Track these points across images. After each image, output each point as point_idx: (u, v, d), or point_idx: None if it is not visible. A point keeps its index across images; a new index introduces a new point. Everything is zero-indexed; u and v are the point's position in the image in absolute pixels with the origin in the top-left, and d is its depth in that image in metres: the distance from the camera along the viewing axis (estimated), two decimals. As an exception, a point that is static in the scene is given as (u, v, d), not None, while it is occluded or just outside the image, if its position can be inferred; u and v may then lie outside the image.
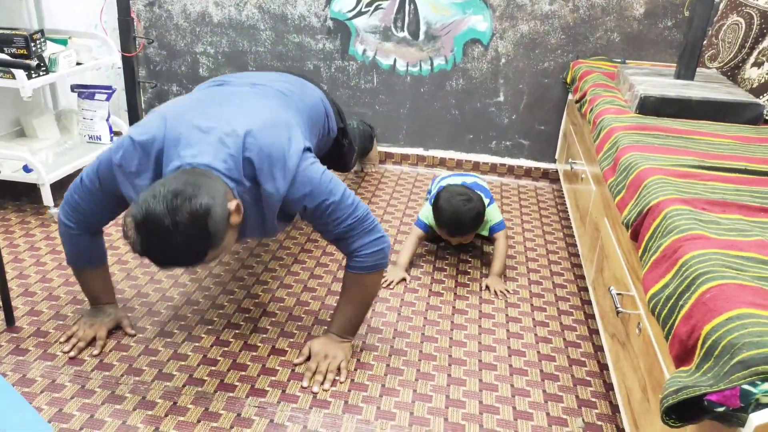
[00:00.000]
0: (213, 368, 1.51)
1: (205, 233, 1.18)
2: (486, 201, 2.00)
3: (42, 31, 2.16)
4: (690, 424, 0.86)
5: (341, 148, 2.07)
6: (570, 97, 2.55)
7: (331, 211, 1.39)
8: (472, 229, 1.94)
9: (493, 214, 2.02)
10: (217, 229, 1.20)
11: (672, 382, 0.87)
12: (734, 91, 1.90)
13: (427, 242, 2.18)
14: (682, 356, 0.93)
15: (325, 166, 1.44)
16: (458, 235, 1.96)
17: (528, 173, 2.85)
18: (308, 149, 1.41)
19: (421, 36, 2.69)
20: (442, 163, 2.90)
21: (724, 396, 0.79)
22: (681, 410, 0.86)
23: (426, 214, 2.02)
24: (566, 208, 2.50)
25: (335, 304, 1.77)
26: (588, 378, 1.55)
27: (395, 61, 2.77)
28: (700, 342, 0.88)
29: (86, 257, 1.55)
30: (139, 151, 1.32)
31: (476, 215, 1.91)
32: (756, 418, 0.75)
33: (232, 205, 1.25)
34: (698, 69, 2.12)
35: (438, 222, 1.94)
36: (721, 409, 0.79)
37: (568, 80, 2.56)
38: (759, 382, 0.77)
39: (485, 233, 2.02)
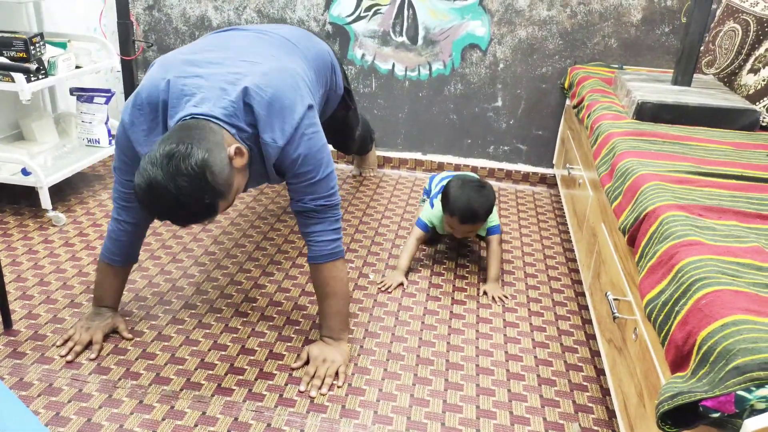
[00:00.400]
0: (210, 372, 1.51)
1: (209, 188, 1.20)
2: None
3: (41, 35, 2.16)
4: (685, 429, 0.86)
5: (347, 110, 2.04)
6: (567, 102, 2.55)
7: (312, 183, 1.40)
8: (485, 216, 1.92)
9: (493, 215, 2.01)
10: (220, 180, 1.22)
11: (667, 387, 0.88)
12: (731, 97, 1.91)
13: (425, 245, 2.18)
14: (677, 362, 0.94)
15: (328, 143, 1.45)
16: (469, 223, 1.90)
17: (526, 178, 2.86)
18: (311, 107, 1.40)
19: (420, 41, 2.70)
20: (440, 167, 2.90)
21: (719, 402, 0.79)
22: (676, 416, 0.87)
23: (427, 213, 2.02)
24: (564, 213, 2.50)
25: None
26: (585, 383, 1.55)
27: (394, 65, 2.77)
28: (695, 348, 0.89)
29: (122, 253, 1.56)
30: (146, 108, 1.34)
31: (490, 202, 1.92)
32: (751, 424, 0.75)
33: (231, 149, 1.26)
34: (695, 75, 2.13)
35: (450, 210, 1.90)
36: (716, 415, 0.80)
37: (566, 86, 2.57)
38: (754, 388, 0.77)
39: (482, 233, 2.02)
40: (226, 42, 1.50)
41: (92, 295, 1.67)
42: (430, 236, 2.08)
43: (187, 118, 1.28)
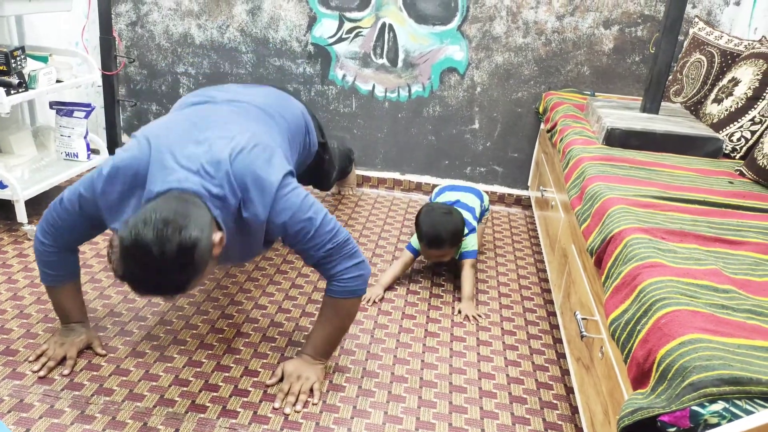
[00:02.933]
0: (185, 389, 1.51)
1: (191, 265, 1.19)
2: (468, 227, 2.07)
3: (23, 48, 2.17)
4: (645, 444, 0.90)
5: (322, 164, 2.09)
6: (542, 126, 2.63)
7: (311, 236, 1.40)
8: (451, 241, 1.98)
9: (470, 241, 2.06)
10: (201, 261, 1.22)
11: (629, 403, 0.92)
12: (696, 125, 1.99)
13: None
14: (639, 379, 0.98)
15: (306, 190, 1.46)
16: (435, 248, 1.98)
17: (501, 199, 2.92)
18: (289, 173, 1.43)
19: (400, 63, 2.77)
20: (418, 187, 2.95)
21: (675, 417, 0.83)
22: (637, 431, 0.90)
23: (415, 236, 2.08)
24: (538, 234, 2.56)
25: (310, 326, 1.80)
26: (555, 401, 1.58)
27: (374, 86, 2.83)
28: (655, 365, 0.93)
29: (60, 275, 1.54)
30: (122, 177, 1.34)
31: (454, 229, 1.97)
32: (704, 438, 0.79)
33: (217, 237, 1.27)
34: (663, 103, 2.22)
35: (419, 235, 2.01)
36: (672, 430, 0.83)
37: (541, 110, 2.65)
38: (707, 404, 0.81)
39: (456, 256, 2.08)
40: (203, 118, 1.49)
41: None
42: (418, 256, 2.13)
43: (175, 190, 1.28)
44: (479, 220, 2.24)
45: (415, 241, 2.08)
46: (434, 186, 2.93)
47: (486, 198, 2.33)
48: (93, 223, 1.43)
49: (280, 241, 1.47)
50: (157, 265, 1.16)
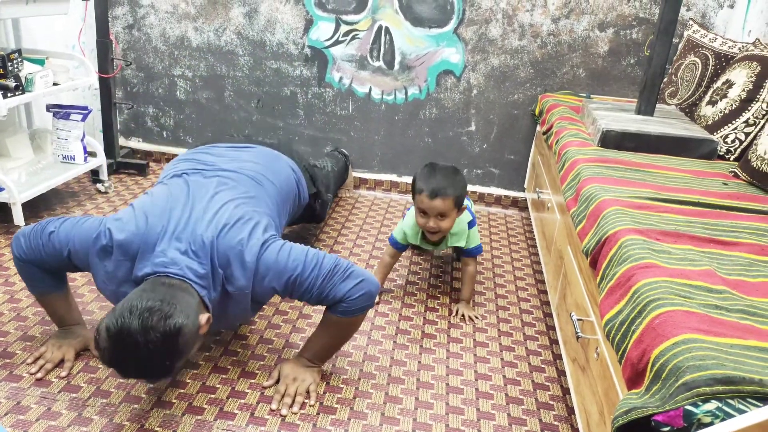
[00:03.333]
0: (182, 391, 1.51)
1: (175, 351, 1.23)
2: (469, 217, 1.97)
3: (19, 51, 2.17)
4: (639, 443, 0.91)
5: (313, 211, 2.16)
6: (538, 128, 2.64)
7: (299, 284, 1.41)
8: (453, 191, 1.79)
9: (474, 236, 1.97)
10: (186, 346, 1.25)
11: (623, 403, 0.92)
12: (691, 127, 2.00)
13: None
14: (633, 379, 0.99)
15: (283, 241, 1.47)
16: (439, 197, 1.77)
17: (498, 201, 2.93)
18: (270, 237, 1.44)
19: (396, 66, 2.78)
20: (415, 189, 2.96)
21: (669, 416, 0.84)
22: (631, 430, 0.91)
23: (399, 226, 1.98)
24: (534, 235, 2.57)
25: (307, 328, 1.80)
26: (551, 402, 1.59)
27: (371, 89, 2.84)
28: (649, 365, 0.94)
29: (45, 284, 1.54)
30: (116, 249, 1.38)
31: (455, 174, 1.84)
32: (697, 438, 0.80)
33: (203, 318, 1.31)
34: (658, 105, 2.23)
35: (419, 187, 1.81)
36: (666, 429, 0.84)
37: (537, 112, 2.66)
38: (700, 403, 0.82)
39: (462, 244, 1.95)
40: (193, 194, 1.51)
41: (63, 313, 1.67)
42: (404, 250, 2.05)
43: (161, 274, 1.32)
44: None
45: (397, 232, 1.97)
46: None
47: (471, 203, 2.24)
48: (74, 267, 1.48)
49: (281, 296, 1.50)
50: (142, 353, 1.19)
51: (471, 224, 1.98)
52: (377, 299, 1.98)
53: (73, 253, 1.43)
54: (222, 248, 1.38)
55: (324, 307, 1.51)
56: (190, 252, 1.36)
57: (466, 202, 2.00)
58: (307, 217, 2.19)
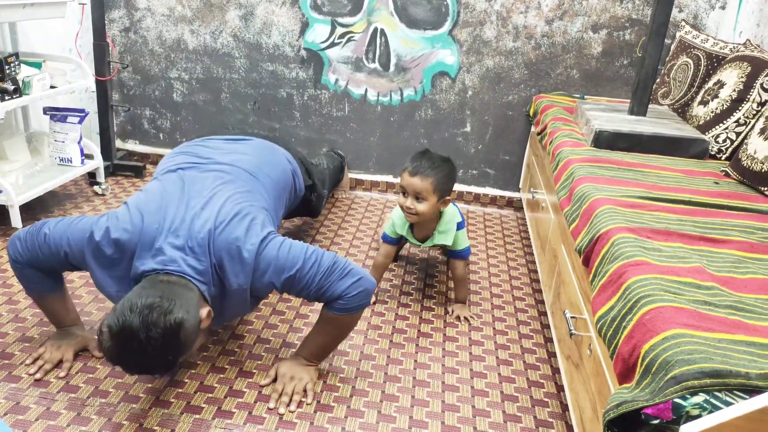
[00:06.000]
0: (180, 390, 1.52)
1: (177, 346, 1.24)
2: (458, 218, 1.97)
3: (17, 54, 2.18)
4: (630, 436, 0.92)
5: (309, 203, 2.17)
6: (532, 129, 2.66)
7: (297, 280, 1.43)
8: (433, 172, 1.78)
9: (462, 238, 1.99)
10: (188, 340, 1.27)
11: (614, 397, 0.94)
12: (683, 127, 2.02)
13: (392, 267, 2.23)
14: (624, 373, 1.00)
15: (283, 237, 1.48)
16: (419, 175, 1.77)
17: (493, 201, 2.95)
18: (266, 237, 1.44)
19: (392, 68, 2.79)
20: (410, 190, 2.97)
21: (658, 409, 0.86)
22: (622, 424, 0.93)
23: (388, 222, 1.99)
24: (529, 235, 2.59)
25: (304, 328, 1.81)
26: (546, 399, 1.61)
27: (366, 90, 2.85)
28: (640, 360, 0.96)
29: (42, 286, 1.55)
30: (113, 247, 1.39)
31: (444, 161, 1.83)
32: (685, 430, 0.82)
33: (204, 312, 1.32)
34: (651, 105, 2.25)
35: (405, 164, 1.83)
36: (656, 422, 0.86)
37: (531, 113, 2.68)
38: (689, 396, 0.84)
39: (448, 243, 1.94)
40: (189, 189, 1.51)
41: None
42: (397, 248, 2.07)
43: (159, 271, 1.33)
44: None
45: (387, 226, 1.99)
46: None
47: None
48: (71, 267, 1.48)
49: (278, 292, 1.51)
50: (145, 349, 1.20)
51: (460, 226, 1.98)
52: (373, 299, 1.99)
53: (69, 253, 1.44)
54: (220, 244, 1.39)
55: (320, 306, 1.52)
56: (187, 249, 1.36)
57: (456, 207, 2.02)
58: (303, 210, 2.19)
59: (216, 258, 1.39)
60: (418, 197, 1.81)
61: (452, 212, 1.95)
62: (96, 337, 1.62)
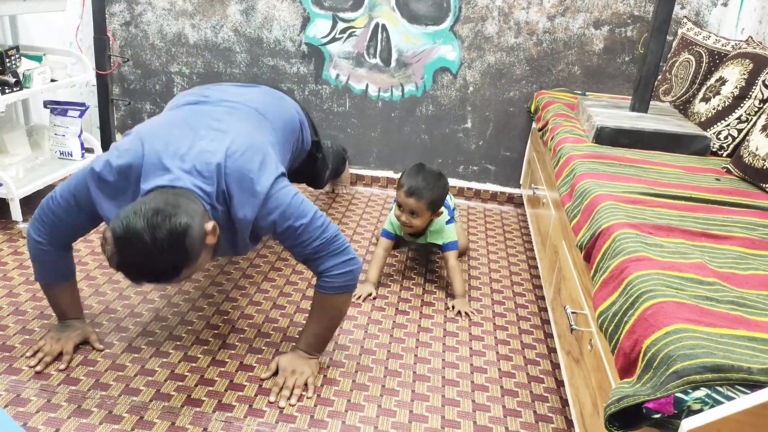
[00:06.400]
0: (180, 383, 1.52)
1: (182, 251, 1.22)
2: (447, 216, 2.04)
3: (17, 47, 2.17)
4: (631, 431, 0.93)
5: (314, 162, 2.12)
6: (534, 125, 2.66)
7: (300, 233, 1.42)
8: (429, 194, 1.90)
9: (450, 231, 2.04)
10: (193, 248, 1.24)
11: (615, 391, 0.94)
12: (684, 124, 2.02)
13: (395, 251, 2.24)
14: (626, 368, 1.01)
15: (297, 189, 1.48)
16: (414, 197, 1.89)
17: (494, 197, 2.95)
18: (281, 175, 1.45)
19: (393, 63, 2.79)
20: (411, 186, 2.97)
21: (659, 404, 0.86)
22: (623, 418, 0.93)
23: (388, 218, 2.07)
24: (529, 231, 2.59)
25: (304, 322, 1.81)
26: (546, 394, 1.61)
27: (367, 86, 2.85)
28: (641, 355, 0.96)
29: (55, 273, 1.55)
30: (116, 175, 1.36)
31: (437, 179, 1.93)
32: (687, 424, 0.82)
33: (209, 225, 1.30)
34: (653, 102, 2.25)
35: (400, 182, 1.94)
36: (657, 416, 0.86)
37: (532, 109, 2.68)
38: (690, 391, 0.84)
39: (440, 242, 2.04)
40: (197, 118, 1.51)
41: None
42: (396, 242, 2.11)
43: (167, 187, 1.31)
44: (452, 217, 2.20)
45: (387, 222, 2.06)
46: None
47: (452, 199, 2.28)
48: (87, 216, 1.45)
49: (271, 237, 1.49)
50: (149, 251, 1.18)
51: (448, 223, 2.06)
52: (374, 294, 2.00)
53: (77, 198, 1.41)
54: (232, 174, 1.36)
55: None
56: (195, 172, 1.34)
57: (448, 201, 2.11)
58: (308, 171, 2.14)
59: (226, 186, 1.36)
60: (413, 213, 1.94)
61: (442, 215, 2.04)
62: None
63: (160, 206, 1.21)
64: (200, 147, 1.38)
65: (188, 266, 1.26)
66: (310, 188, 2.47)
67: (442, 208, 2.01)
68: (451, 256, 2.03)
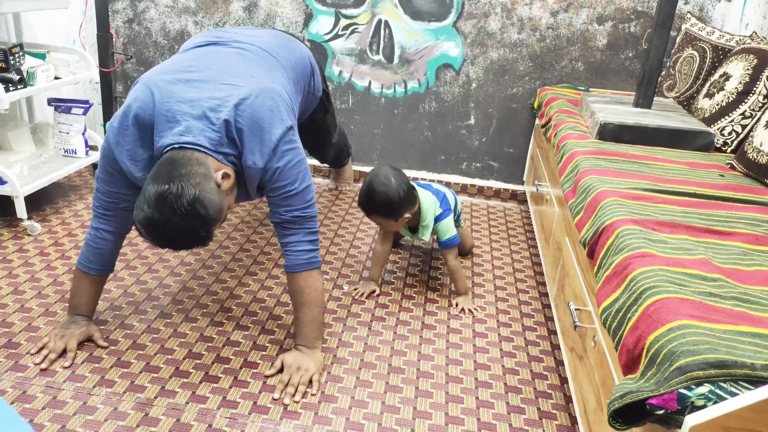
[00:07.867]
0: (185, 380, 1.53)
1: (202, 221, 1.30)
2: (438, 210, 1.97)
3: (21, 45, 2.18)
4: (634, 427, 0.93)
5: (325, 113, 2.13)
6: (537, 121, 2.65)
7: (288, 197, 1.47)
8: (380, 211, 1.85)
9: (445, 227, 1.97)
10: (211, 211, 1.31)
11: (619, 388, 0.94)
12: (688, 120, 2.02)
13: (398, 250, 2.24)
14: (629, 364, 1.01)
15: (305, 147, 1.52)
16: (374, 215, 1.88)
17: (497, 194, 2.95)
18: (290, 128, 1.46)
19: (396, 60, 2.79)
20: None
21: (663, 400, 0.86)
22: (627, 414, 0.93)
23: None
24: (533, 228, 2.58)
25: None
26: (549, 391, 1.61)
27: (370, 83, 2.85)
28: (644, 351, 0.96)
29: (101, 262, 1.59)
30: (132, 129, 1.40)
31: (386, 199, 1.82)
32: (690, 420, 0.82)
33: (218, 175, 1.35)
34: (656, 98, 2.24)
35: (358, 203, 1.92)
36: (660, 412, 0.86)
37: (535, 106, 2.67)
38: (694, 387, 0.84)
39: (426, 238, 1.99)
40: (208, 61, 1.54)
41: (67, 304, 1.69)
42: (393, 238, 2.09)
43: (175, 146, 1.35)
44: (457, 219, 2.16)
45: None
46: (430, 181, 2.95)
47: (458, 201, 2.21)
48: (127, 183, 1.49)
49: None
50: (174, 232, 1.29)
51: (441, 216, 1.98)
52: (377, 291, 2.00)
53: (109, 163, 1.45)
54: (242, 120, 1.39)
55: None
56: (205, 119, 1.37)
57: (447, 198, 2.05)
58: (318, 126, 2.13)
59: (236, 131, 1.39)
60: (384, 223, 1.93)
61: (429, 208, 1.96)
62: (97, 330, 1.66)
63: (163, 190, 1.26)
64: (210, 93, 1.41)
65: (216, 224, 1.34)
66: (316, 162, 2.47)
67: (416, 205, 1.91)
68: (450, 254, 1.96)
